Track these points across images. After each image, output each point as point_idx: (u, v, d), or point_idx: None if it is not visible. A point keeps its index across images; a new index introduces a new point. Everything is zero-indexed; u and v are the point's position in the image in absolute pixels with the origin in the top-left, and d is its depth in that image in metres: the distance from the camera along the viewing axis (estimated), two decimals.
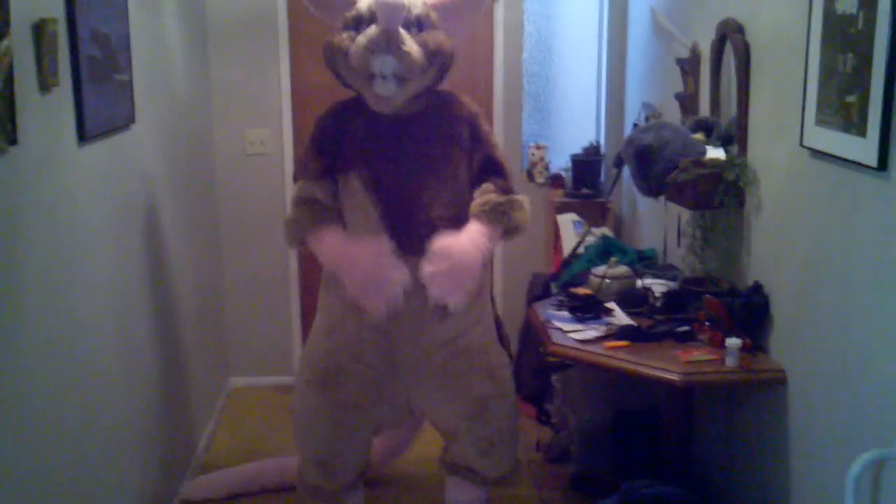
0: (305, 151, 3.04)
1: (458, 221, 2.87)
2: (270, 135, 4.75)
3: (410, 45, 2.71)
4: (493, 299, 3.23)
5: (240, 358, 4.95)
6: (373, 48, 2.68)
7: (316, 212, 2.91)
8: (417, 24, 2.80)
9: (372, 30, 2.70)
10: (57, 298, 2.31)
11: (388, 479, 3.79)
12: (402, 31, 2.71)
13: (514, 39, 4.79)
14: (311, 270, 4.76)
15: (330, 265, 2.93)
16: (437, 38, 2.82)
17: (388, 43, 2.67)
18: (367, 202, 2.87)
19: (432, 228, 2.82)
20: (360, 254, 2.78)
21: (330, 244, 2.88)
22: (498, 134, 4.79)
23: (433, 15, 2.86)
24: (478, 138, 2.97)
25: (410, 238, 2.82)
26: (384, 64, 2.69)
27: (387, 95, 2.76)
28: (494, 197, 2.90)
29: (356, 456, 3.09)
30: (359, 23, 2.79)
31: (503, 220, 2.88)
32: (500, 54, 4.79)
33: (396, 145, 2.91)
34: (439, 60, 2.83)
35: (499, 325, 3.19)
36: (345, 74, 2.83)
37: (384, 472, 3.76)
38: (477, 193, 2.94)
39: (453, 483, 3.18)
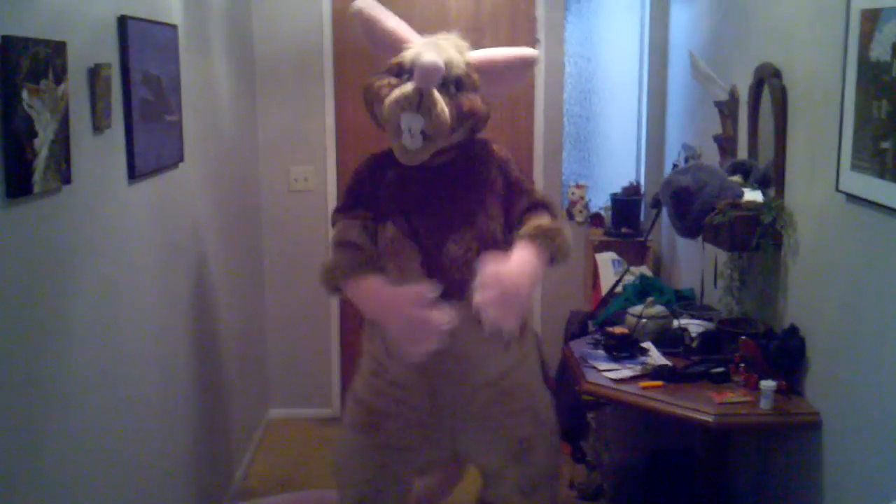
0: (343, 200, 3.07)
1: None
2: (315, 171, 4.84)
3: (442, 107, 2.69)
4: (538, 340, 3.22)
5: (280, 390, 5.02)
6: (403, 105, 2.68)
7: (355, 258, 2.89)
8: (456, 84, 2.78)
9: (407, 87, 2.70)
10: (104, 330, 2.39)
11: None
12: (436, 93, 2.69)
13: (554, 80, 4.85)
14: (351, 305, 4.82)
15: (369, 312, 2.91)
16: (473, 101, 2.80)
17: (420, 103, 2.66)
18: (406, 249, 2.87)
19: (469, 274, 2.82)
20: (402, 299, 2.75)
21: (369, 290, 2.85)
22: (538, 173, 4.85)
23: (475, 76, 2.84)
24: (512, 184, 2.97)
25: (448, 284, 2.82)
26: (412, 121, 2.67)
27: (411, 150, 2.75)
28: (543, 222, 2.89)
29: (398, 498, 3.10)
30: (400, 71, 2.80)
31: (550, 246, 2.85)
32: (542, 95, 4.85)
33: (430, 194, 2.91)
34: (471, 123, 2.83)
35: (544, 365, 3.19)
36: (378, 118, 2.87)
37: None
38: (525, 220, 2.93)
39: None
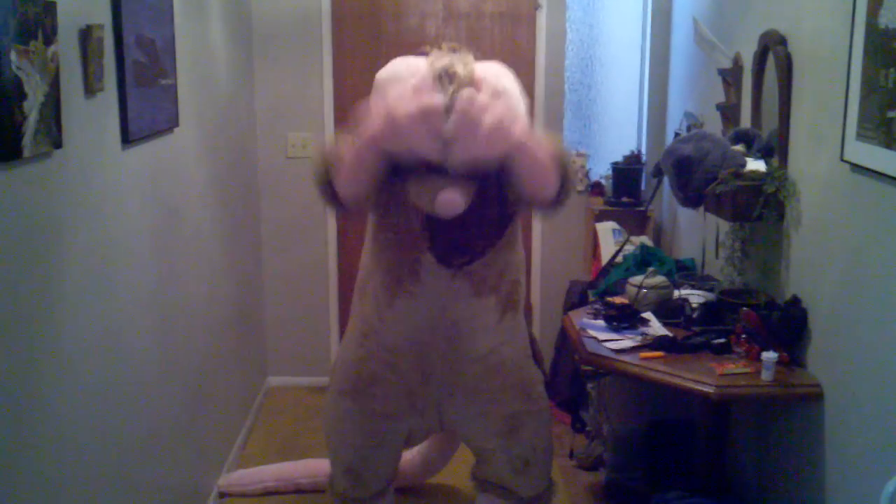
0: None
1: (500, 234, 2.82)
2: (312, 138, 4.80)
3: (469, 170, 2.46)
4: (528, 317, 3.18)
5: (278, 358, 5.01)
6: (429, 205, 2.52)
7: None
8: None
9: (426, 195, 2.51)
10: (98, 297, 2.37)
11: (420, 487, 3.81)
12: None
13: (556, 47, 4.79)
14: (350, 273, 4.80)
15: (364, 136, 2.55)
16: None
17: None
18: (409, 208, 2.72)
19: (475, 241, 2.78)
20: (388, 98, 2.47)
21: (359, 136, 2.56)
22: None
23: (477, 76, 2.55)
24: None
25: (452, 249, 2.78)
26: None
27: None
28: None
29: (385, 465, 3.09)
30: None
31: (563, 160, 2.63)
32: (542, 62, 4.79)
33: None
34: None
35: (533, 342, 3.17)
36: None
37: (418, 484, 3.78)
38: None
39: (485, 499, 3.17)
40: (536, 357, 3.14)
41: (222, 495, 3.72)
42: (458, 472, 3.73)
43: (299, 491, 3.77)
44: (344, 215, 2.83)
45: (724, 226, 3.38)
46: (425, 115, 2.35)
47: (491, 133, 2.37)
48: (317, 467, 3.74)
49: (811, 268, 2.82)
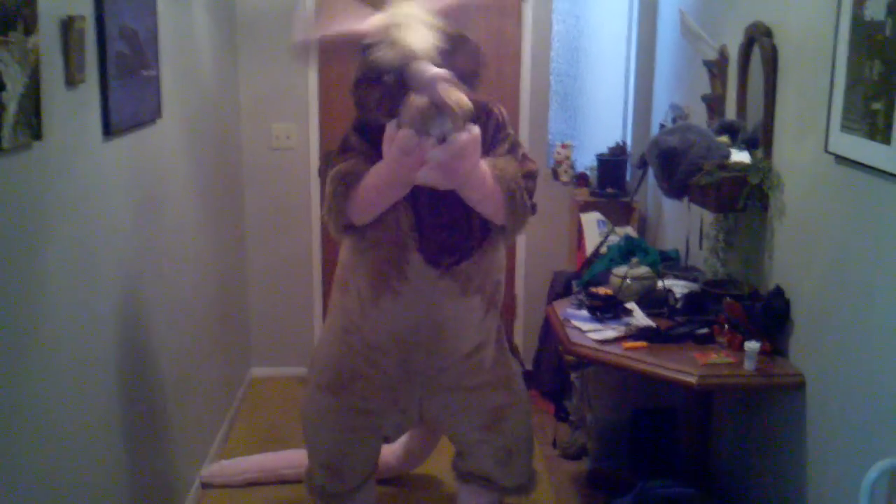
0: (351, 137, 2.86)
1: (486, 236, 2.82)
2: (297, 129, 4.77)
3: (459, 99, 2.50)
4: (512, 307, 3.17)
5: (261, 349, 5.00)
6: (427, 121, 2.52)
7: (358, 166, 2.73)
8: (445, 55, 2.61)
9: (418, 101, 2.51)
10: (80, 288, 2.35)
11: (402, 479, 3.81)
12: (448, 92, 2.49)
13: (542, 38, 4.78)
14: (334, 264, 4.79)
15: (379, 182, 2.69)
16: (466, 60, 2.67)
17: (441, 111, 2.50)
18: (398, 211, 2.75)
19: (462, 242, 2.77)
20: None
21: (372, 177, 2.68)
22: (524, 132, 4.80)
23: (453, 31, 2.67)
24: (512, 147, 2.83)
25: (440, 250, 2.77)
26: (442, 127, 2.52)
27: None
28: (513, 168, 2.74)
29: (364, 460, 3.08)
30: (380, 75, 2.62)
31: (508, 185, 2.69)
32: (528, 52, 4.78)
33: None
34: (477, 79, 2.71)
35: (507, 336, 3.17)
36: (374, 122, 2.72)
37: (400, 475, 3.78)
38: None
39: (467, 490, 3.17)
40: (512, 349, 3.16)
41: (205, 486, 3.71)
42: (439, 463, 3.74)
43: (282, 482, 3.76)
44: (349, 236, 2.85)
45: (709, 217, 3.39)
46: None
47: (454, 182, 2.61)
48: (300, 458, 3.72)
49: (794, 258, 2.84)
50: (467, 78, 2.65)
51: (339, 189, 2.70)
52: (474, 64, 2.71)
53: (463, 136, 2.53)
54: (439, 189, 2.66)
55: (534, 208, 2.82)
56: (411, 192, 2.71)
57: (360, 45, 2.67)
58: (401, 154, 2.56)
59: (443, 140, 2.54)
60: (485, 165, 2.66)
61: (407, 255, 2.74)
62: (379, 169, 2.65)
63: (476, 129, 2.59)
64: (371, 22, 2.68)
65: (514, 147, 2.84)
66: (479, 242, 2.79)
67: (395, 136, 2.56)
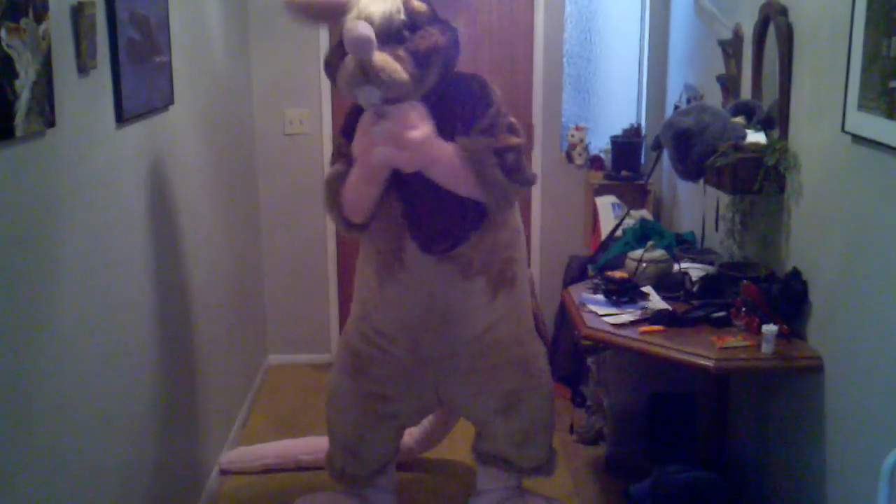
0: (337, 140, 2.96)
1: (482, 218, 2.81)
2: (310, 114, 4.77)
3: (391, 68, 2.53)
4: (533, 291, 3.18)
5: (278, 336, 5.01)
6: (352, 83, 2.56)
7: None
8: (409, 27, 2.62)
9: (349, 63, 2.55)
10: (94, 277, 2.35)
11: (422, 462, 3.81)
12: (378, 58, 2.52)
13: (554, 19, 4.75)
14: (349, 250, 4.79)
15: (360, 190, 2.78)
16: (429, 39, 2.62)
17: (366, 75, 2.52)
18: (389, 197, 2.79)
19: (455, 227, 2.77)
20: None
21: (350, 176, 2.78)
22: (537, 115, 4.78)
23: (423, 9, 2.66)
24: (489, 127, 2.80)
25: (432, 236, 2.77)
26: (369, 95, 2.56)
27: (379, 113, 2.63)
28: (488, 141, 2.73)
29: (383, 444, 3.09)
30: (341, 44, 2.64)
31: (476, 160, 2.69)
32: (541, 34, 4.75)
33: None
34: (438, 60, 2.65)
35: (536, 315, 3.15)
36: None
37: (417, 457, 3.79)
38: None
39: (486, 472, 3.17)
40: (539, 331, 3.13)
41: (224, 472, 3.73)
42: (459, 445, 3.74)
43: (300, 468, 3.78)
44: (362, 232, 2.90)
45: (724, 199, 3.37)
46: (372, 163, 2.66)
47: (410, 158, 2.63)
48: (318, 444, 3.74)
49: (812, 240, 2.81)
50: (423, 58, 2.61)
51: (331, 194, 2.79)
52: (434, 46, 2.64)
53: (401, 107, 2.57)
54: (405, 171, 2.69)
55: (532, 179, 2.82)
56: (402, 181, 2.71)
57: (341, 14, 2.69)
58: (361, 136, 2.59)
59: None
60: (448, 146, 2.66)
61: (403, 242, 2.75)
62: (355, 163, 2.71)
63: (417, 104, 2.58)
64: None
65: (492, 124, 2.78)
66: (475, 225, 2.78)
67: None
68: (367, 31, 2.50)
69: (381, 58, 2.53)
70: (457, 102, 2.76)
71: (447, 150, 2.65)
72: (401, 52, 2.58)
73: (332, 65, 2.71)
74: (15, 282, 1.91)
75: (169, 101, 3.04)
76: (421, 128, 2.60)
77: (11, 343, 1.88)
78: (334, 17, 2.73)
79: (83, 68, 2.26)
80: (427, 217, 2.75)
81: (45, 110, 2.00)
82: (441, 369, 2.94)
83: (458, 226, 2.76)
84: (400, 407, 3.03)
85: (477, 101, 2.79)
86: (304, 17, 2.85)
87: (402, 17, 2.62)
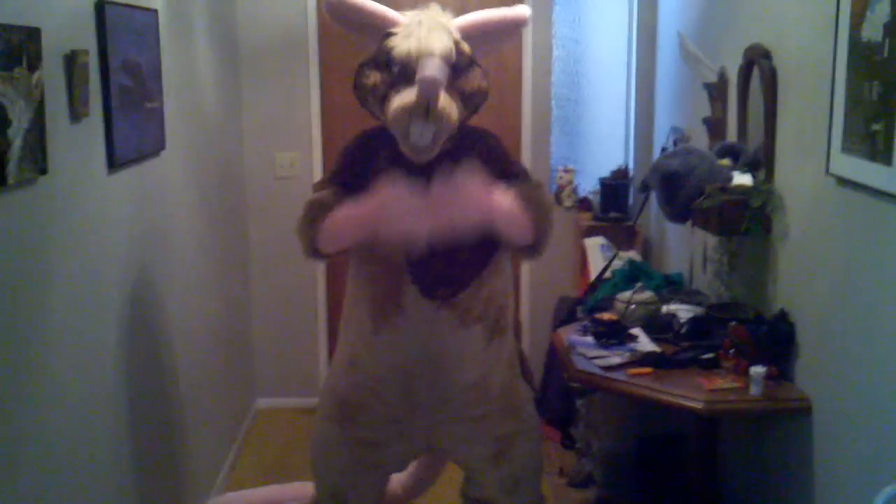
0: (324, 182, 2.89)
1: (485, 262, 2.81)
2: (300, 158, 4.79)
3: (450, 108, 2.54)
4: (518, 334, 3.16)
5: (267, 379, 4.99)
6: (412, 115, 2.52)
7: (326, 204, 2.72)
8: (455, 70, 2.62)
9: (411, 96, 2.52)
10: (85, 321, 2.35)
11: None
12: (443, 98, 2.53)
13: (542, 63, 4.81)
14: (339, 294, 4.79)
15: (351, 226, 2.69)
16: (473, 81, 2.65)
17: (427, 111, 2.50)
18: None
19: (460, 271, 2.76)
20: (380, 191, 2.60)
21: (346, 209, 2.67)
22: (525, 157, 4.82)
23: (468, 51, 2.68)
24: (508, 172, 2.80)
25: (434, 283, 2.75)
26: (423, 129, 2.52)
27: (423, 150, 2.59)
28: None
29: (372, 491, 3.05)
30: (389, 63, 2.62)
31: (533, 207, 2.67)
32: (529, 77, 4.80)
33: (423, 180, 2.65)
34: (475, 103, 2.70)
35: (522, 359, 3.14)
36: (372, 111, 2.73)
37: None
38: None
39: None
40: (526, 375, 3.12)
41: None
42: (446, 490, 3.71)
43: None
44: (319, 260, 2.89)
45: (712, 240, 3.39)
46: (408, 235, 2.54)
47: (466, 214, 2.55)
48: (306, 489, 3.69)
49: (798, 281, 2.83)
50: (467, 100, 2.65)
51: (310, 216, 2.72)
52: (479, 89, 2.69)
53: (464, 171, 2.56)
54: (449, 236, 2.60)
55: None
56: None
57: (381, 30, 2.68)
58: (394, 202, 2.55)
59: (417, 149, 2.56)
60: (507, 196, 2.63)
61: (403, 287, 2.72)
62: (365, 203, 2.62)
63: (470, 165, 2.59)
64: (399, 14, 2.71)
65: (524, 170, 2.87)
66: (477, 271, 2.78)
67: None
68: (442, 73, 2.52)
69: (445, 99, 2.54)
70: (471, 149, 2.77)
71: (508, 201, 2.65)
72: (452, 94, 2.60)
73: (371, 87, 2.66)
74: (5, 326, 1.91)
75: (160, 145, 3.06)
76: (492, 188, 2.60)
77: (1, 391, 1.88)
78: (377, 31, 2.71)
79: (76, 116, 2.28)
80: (430, 262, 2.72)
81: (38, 157, 2.02)
82: (433, 416, 2.91)
83: (461, 271, 2.75)
84: (390, 452, 3.00)
85: (499, 148, 2.84)
86: (345, 22, 2.79)
87: (454, 59, 2.63)
